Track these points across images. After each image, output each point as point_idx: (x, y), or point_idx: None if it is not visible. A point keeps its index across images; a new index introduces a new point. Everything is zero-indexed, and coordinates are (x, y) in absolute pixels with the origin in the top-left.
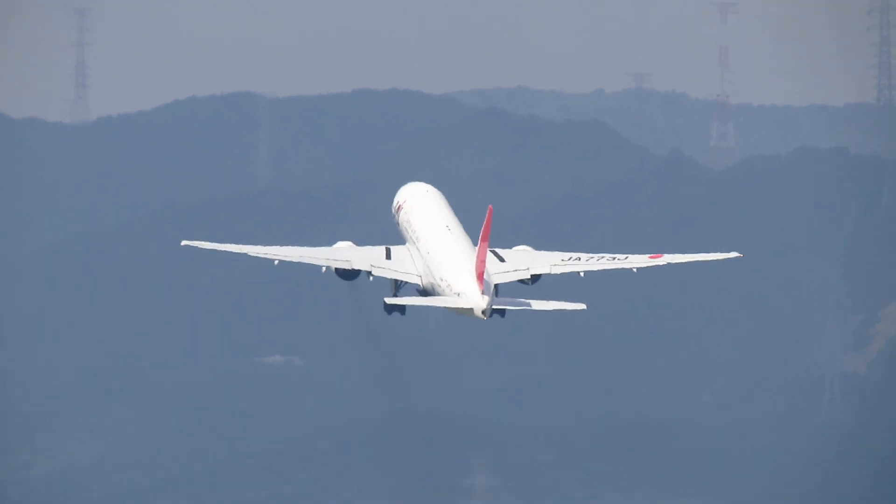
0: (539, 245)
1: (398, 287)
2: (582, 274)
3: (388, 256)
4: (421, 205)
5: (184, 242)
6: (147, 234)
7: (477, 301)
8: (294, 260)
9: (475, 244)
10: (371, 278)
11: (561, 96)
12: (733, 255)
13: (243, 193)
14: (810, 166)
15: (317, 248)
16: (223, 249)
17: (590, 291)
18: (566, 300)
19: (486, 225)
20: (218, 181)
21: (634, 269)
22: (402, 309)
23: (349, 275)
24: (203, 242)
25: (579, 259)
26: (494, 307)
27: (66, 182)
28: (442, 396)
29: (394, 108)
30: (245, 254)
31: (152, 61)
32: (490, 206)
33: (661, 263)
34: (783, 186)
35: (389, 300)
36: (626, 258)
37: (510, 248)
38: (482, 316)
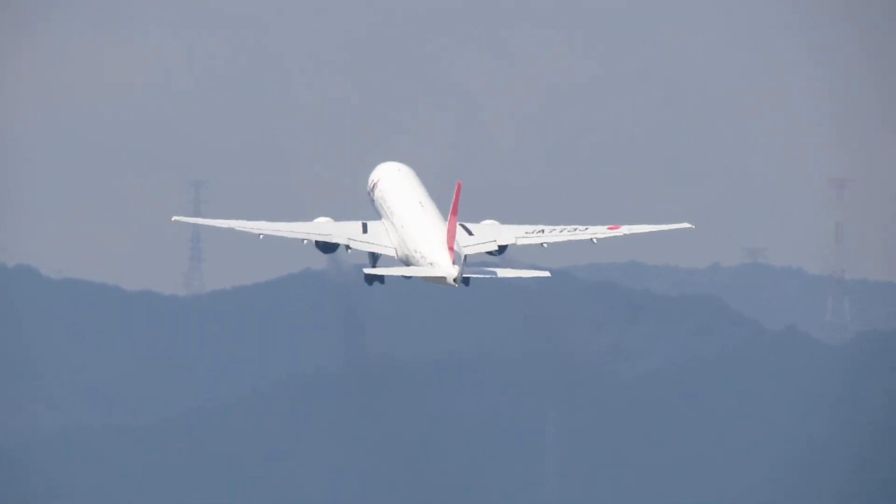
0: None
1: (375, 260)
2: (545, 245)
3: (365, 231)
4: (395, 182)
5: (174, 218)
6: (262, 407)
7: (449, 270)
8: (277, 234)
9: (446, 219)
10: (349, 251)
11: (675, 271)
12: (685, 225)
13: (357, 366)
14: None
15: (298, 223)
16: (212, 225)
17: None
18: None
19: (455, 200)
20: (333, 353)
21: (594, 240)
22: (381, 279)
23: (328, 248)
24: (193, 219)
25: (542, 231)
26: (464, 275)
27: (180, 355)
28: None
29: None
30: (231, 228)
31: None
32: (459, 181)
33: (619, 234)
34: None
35: (368, 270)
36: (587, 229)
37: (478, 222)
38: (454, 283)
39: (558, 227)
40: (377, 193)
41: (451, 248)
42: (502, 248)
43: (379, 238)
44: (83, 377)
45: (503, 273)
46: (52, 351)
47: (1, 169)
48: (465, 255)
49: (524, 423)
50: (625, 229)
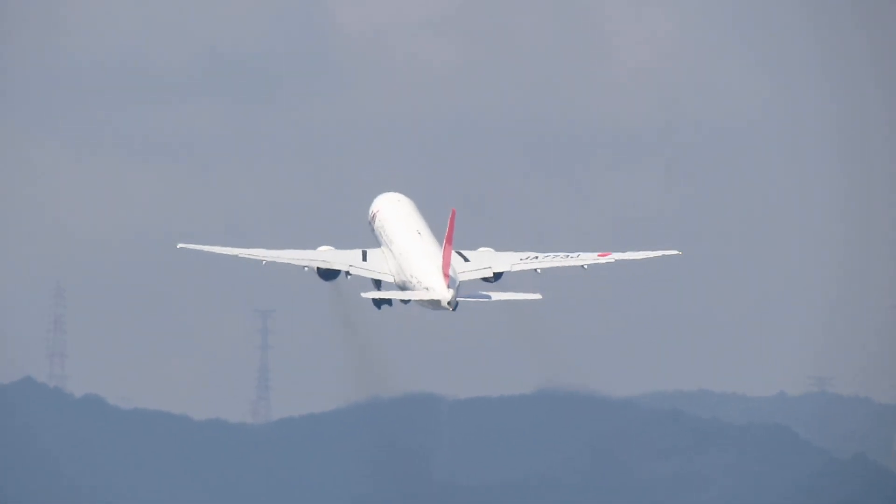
0: None
1: (379, 285)
2: (538, 271)
3: (365, 258)
4: (394, 212)
5: (179, 245)
6: None
7: (443, 293)
8: (280, 261)
9: (442, 246)
10: (349, 277)
11: (743, 399)
12: (673, 252)
13: (422, 493)
14: None
15: (301, 251)
16: (216, 252)
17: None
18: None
19: (450, 228)
20: (398, 481)
21: (585, 266)
22: (389, 301)
23: (329, 275)
24: (198, 245)
25: (536, 258)
26: (459, 299)
27: (249, 484)
28: None
29: (574, 408)
30: (235, 256)
31: (333, 363)
32: (453, 209)
33: (609, 261)
34: None
35: (365, 294)
36: (578, 255)
37: (475, 249)
38: (448, 307)
39: (550, 254)
40: (377, 223)
41: (446, 274)
42: (498, 275)
43: (378, 265)
44: None
45: (496, 297)
46: (120, 481)
47: (67, 299)
48: (459, 281)
49: None
50: (614, 255)
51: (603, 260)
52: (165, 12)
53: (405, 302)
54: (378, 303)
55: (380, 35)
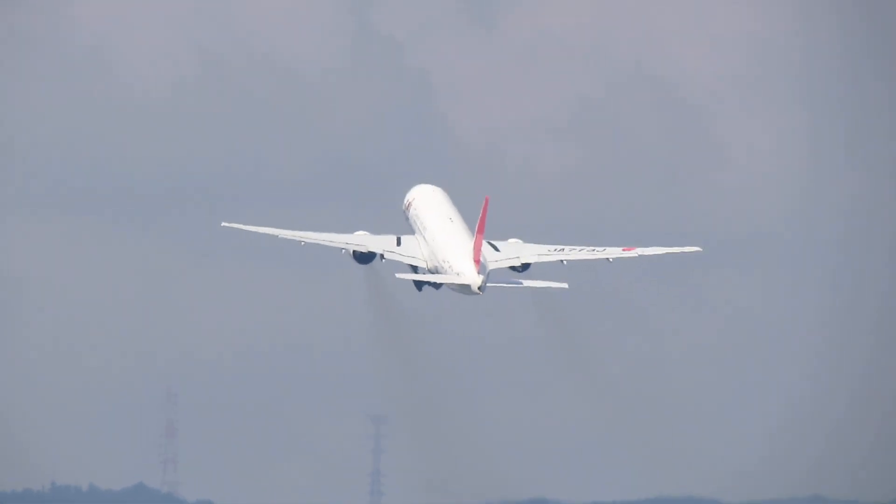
0: None
1: (416, 270)
2: (565, 262)
3: (399, 243)
4: (428, 201)
5: (223, 224)
6: None
7: (473, 278)
8: (318, 242)
9: (474, 235)
10: (383, 261)
11: None
12: (694, 249)
13: None
14: None
15: (338, 234)
16: (257, 231)
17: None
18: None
19: (482, 217)
20: None
21: (610, 259)
22: (429, 283)
23: (365, 258)
24: (241, 225)
25: (563, 250)
26: (489, 284)
27: None
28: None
29: None
30: (276, 235)
31: (446, 468)
32: (487, 196)
33: (633, 255)
34: None
35: (400, 275)
36: (604, 250)
37: (504, 240)
38: (478, 292)
39: (577, 247)
40: (412, 211)
41: (476, 260)
42: (526, 266)
43: (411, 250)
44: None
45: (525, 283)
46: None
47: (179, 404)
48: (489, 269)
49: None
50: (638, 251)
51: (626, 254)
52: (281, 116)
53: (437, 286)
54: (419, 284)
55: (495, 138)
